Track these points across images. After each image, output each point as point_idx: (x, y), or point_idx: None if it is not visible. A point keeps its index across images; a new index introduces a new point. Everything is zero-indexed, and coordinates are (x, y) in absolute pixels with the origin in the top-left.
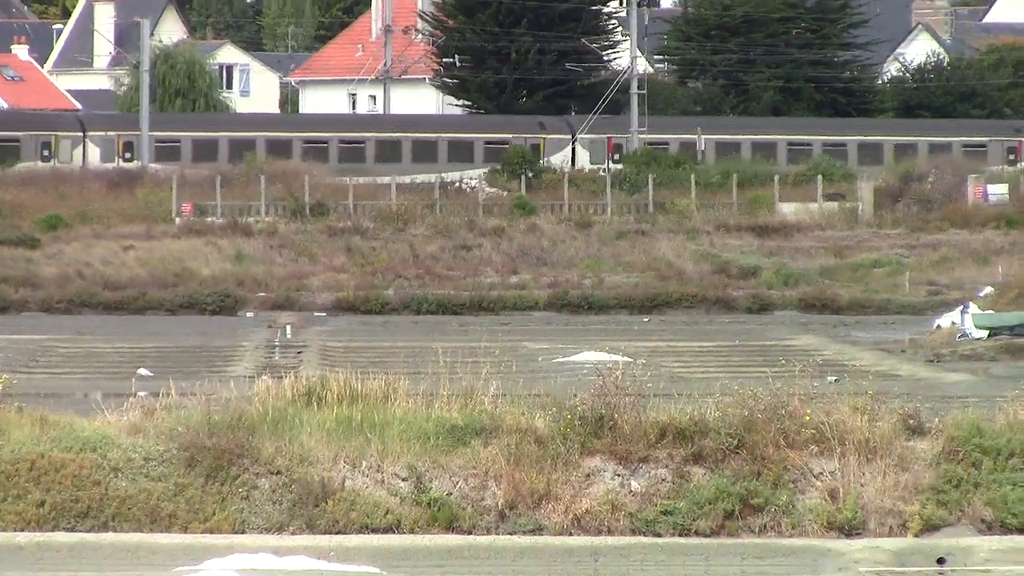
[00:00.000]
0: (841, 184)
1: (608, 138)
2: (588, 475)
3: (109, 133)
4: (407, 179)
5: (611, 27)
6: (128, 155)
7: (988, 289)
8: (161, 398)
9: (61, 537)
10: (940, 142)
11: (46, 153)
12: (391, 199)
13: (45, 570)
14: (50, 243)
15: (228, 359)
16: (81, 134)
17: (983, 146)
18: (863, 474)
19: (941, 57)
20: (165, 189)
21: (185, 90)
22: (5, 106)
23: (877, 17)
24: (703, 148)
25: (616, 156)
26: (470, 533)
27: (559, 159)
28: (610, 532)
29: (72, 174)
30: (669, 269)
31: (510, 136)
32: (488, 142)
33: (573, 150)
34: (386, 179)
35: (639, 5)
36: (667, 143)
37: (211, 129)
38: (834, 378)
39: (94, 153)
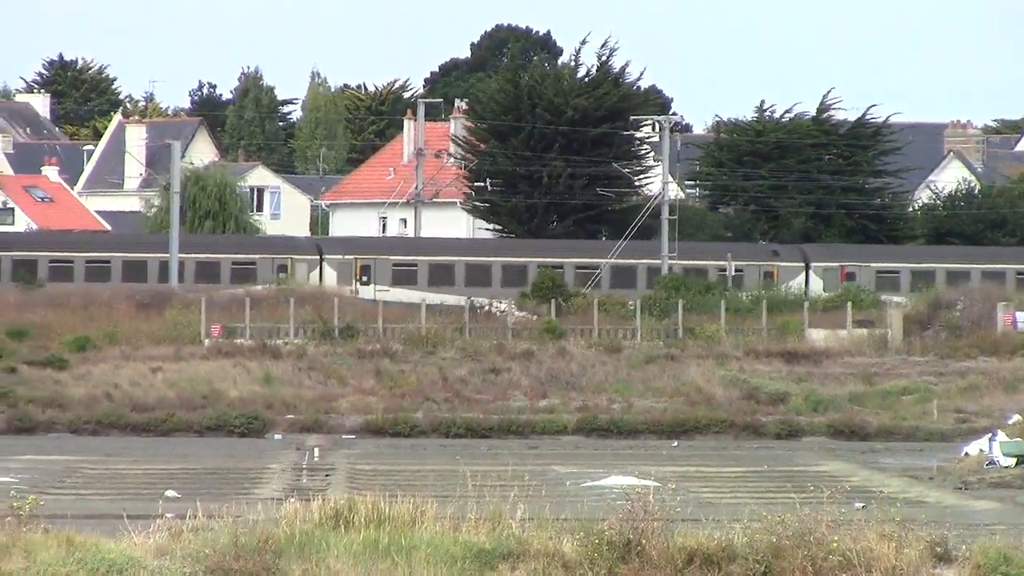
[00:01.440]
0: (870, 311)
1: (841, 267)
2: None
3: (347, 257)
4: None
5: (643, 152)
6: (364, 279)
7: (1016, 417)
8: (188, 520)
9: None
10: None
11: (282, 276)
12: (420, 322)
13: None
14: (78, 364)
15: (255, 481)
16: (318, 257)
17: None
18: None
19: (972, 185)
20: (194, 311)
21: (215, 212)
22: (34, 227)
23: (909, 144)
24: (732, 274)
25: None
26: None
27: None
28: None
29: (101, 295)
30: (698, 394)
31: (744, 264)
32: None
33: (807, 277)
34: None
35: (671, 131)
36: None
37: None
38: (861, 505)
39: (330, 276)
